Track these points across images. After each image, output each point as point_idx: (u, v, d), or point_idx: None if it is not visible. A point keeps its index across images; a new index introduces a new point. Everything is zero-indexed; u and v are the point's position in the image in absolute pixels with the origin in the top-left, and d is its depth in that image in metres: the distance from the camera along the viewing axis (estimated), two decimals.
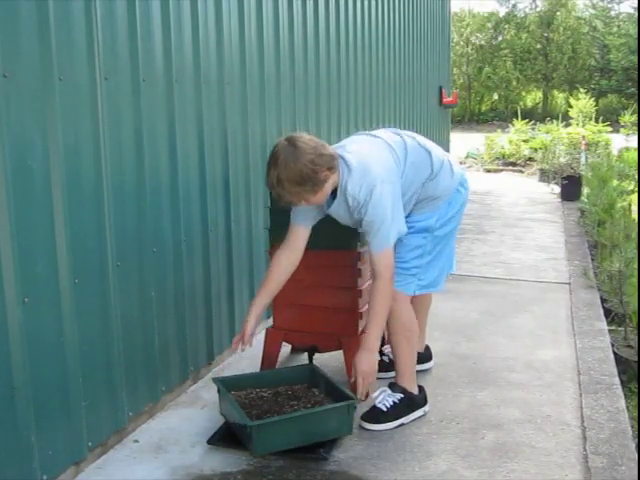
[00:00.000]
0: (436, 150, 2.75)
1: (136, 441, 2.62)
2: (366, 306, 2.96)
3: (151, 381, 2.77)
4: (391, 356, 3.12)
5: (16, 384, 2.05)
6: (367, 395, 2.62)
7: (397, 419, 2.69)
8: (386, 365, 3.09)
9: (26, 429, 2.09)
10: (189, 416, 2.82)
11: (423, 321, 3.11)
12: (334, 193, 2.54)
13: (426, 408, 2.80)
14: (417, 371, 2.87)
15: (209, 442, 2.57)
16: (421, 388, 2.82)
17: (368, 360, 2.56)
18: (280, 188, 2.40)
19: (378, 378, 3.04)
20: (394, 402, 2.70)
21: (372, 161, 2.50)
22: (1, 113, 1.95)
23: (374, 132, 2.76)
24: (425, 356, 3.18)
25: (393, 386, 2.77)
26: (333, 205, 2.57)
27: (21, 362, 2.06)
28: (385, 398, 2.72)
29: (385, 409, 2.70)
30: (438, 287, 2.82)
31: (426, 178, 2.66)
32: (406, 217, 2.67)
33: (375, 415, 2.70)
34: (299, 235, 2.67)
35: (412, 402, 2.74)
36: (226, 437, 2.58)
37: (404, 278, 2.68)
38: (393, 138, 2.66)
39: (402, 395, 2.72)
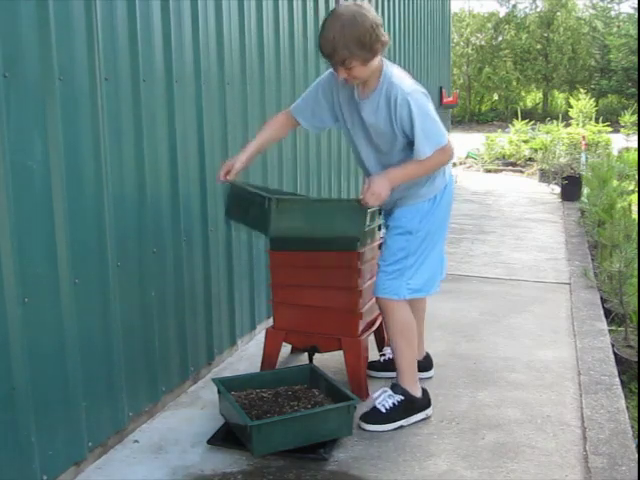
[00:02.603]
0: None
1: (136, 441, 2.62)
2: (366, 306, 2.96)
3: (151, 381, 2.77)
4: (389, 356, 3.13)
5: (16, 384, 2.05)
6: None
7: (395, 421, 2.68)
8: (384, 364, 3.09)
9: (26, 429, 2.09)
10: (189, 416, 2.82)
11: (421, 328, 3.06)
12: (366, 87, 2.52)
13: (429, 412, 2.78)
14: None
15: (209, 442, 2.57)
16: (424, 391, 2.80)
17: (383, 184, 2.49)
18: (340, 41, 2.34)
19: (378, 378, 3.04)
20: (394, 404, 2.69)
21: (409, 78, 2.56)
22: (1, 113, 1.95)
23: None
24: (424, 365, 3.12)
25: (394, 387, 2.76)
26: (370, 99, 2.52)
27: (21, 362, 2.06)
28: (385, 399, 2.71)
29: (384, 410, 2.69)
30: (430, 290, 2.78)
31: None
32: (388, 216, 2.71)
33: (374, 416, 2.69)
34: (286, 122, 2.81)
35: (412, 405, 2.73)
36: (226, 437, 2.58)
37: (392, 282, 2.66)
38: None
39: (402, 397, 2.71)
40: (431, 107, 2.51)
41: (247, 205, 2.55)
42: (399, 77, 2.51)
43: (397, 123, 2.49)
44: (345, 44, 2.35)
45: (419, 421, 2.74)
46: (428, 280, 2.74)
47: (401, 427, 2.69)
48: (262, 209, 2.40)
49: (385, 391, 2.75)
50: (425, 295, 2.81)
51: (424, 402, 2.77)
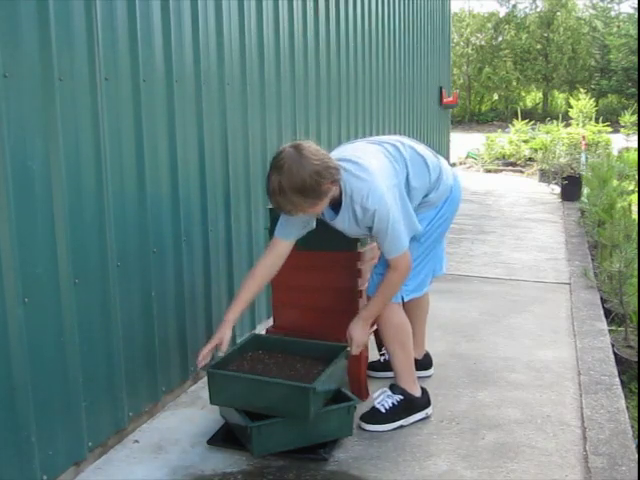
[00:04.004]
0: (432, 157, 2.69)
1: (136, 441, 2.62)
2: None
3: (151, 381, 2.77)
4: (388, 356, 3.12)
5: (16, 384, 2.05)
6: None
7: (395, 421, 2.69)
8: (384, 364, 3.09)
9: (26, 429, 2.09)
10: (189, 416, 2.82)
11: (422, 327, 3.09)
12: (333, 204, 2.48)
13: (429, 411, 2.78)
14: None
15: (209, 442, 2.57)
16: (424, 390, 2.80)
17: (360, 328, 2.62)
18: (281, 196, 2.28)
19: (378, 378, 3.05)
20: (393, 404, 2.70)
21: (374, 169, 2.44)
22: (1, 113, 1.95)
23: (371, 139, 2.73)
24: (424, 363, 3.13)
25: (393, 387, 2.76)
26: (338, 217, 2.50)
27: (21, 362, 2.06)
28: (384, 399, 2.72)
29: (384, 410, 2.69)
30: (423, 289, 2.81)
31: (427, 189, 2.64)
32: None
33: (373, 416, 2.70)
34: (281, 250, 2.59)
35: (412, 404, 2.73)
36: (226, 437, 2.58)
37: None
38: (390, 148, 2.60)
39: (402, 397, 2.71)
40: (397, 207, 2.43)
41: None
42: (360, 188, 2.39)
43: (366, 229, 2.51)
44: (288, 199, 2.28)
45: (419, 420, 2.74)
46: (423, 280, 2.77)
47: (401, 427, 2.69)
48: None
49: (384, 391, 2.75)
50: (418, 295, 2.81)
51: (424, 401, 2.77)
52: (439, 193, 2.68)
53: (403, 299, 2.70)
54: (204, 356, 2.49)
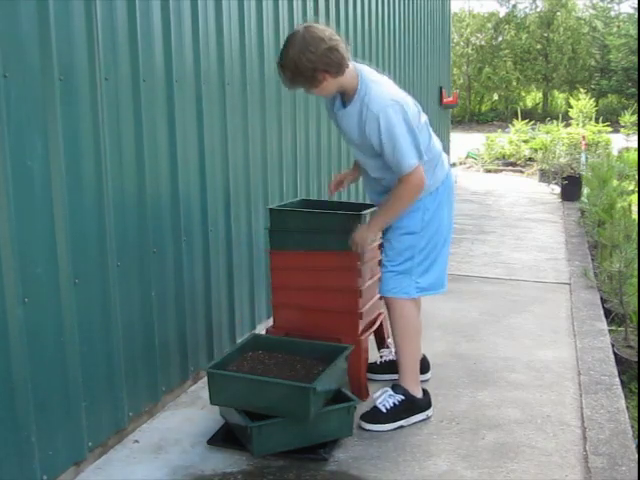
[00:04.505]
0: (437, 139, 2.78)
1: (136, 441, 2.62)
2: (366, 307, 2.96)
3: (151, 381, 2.77)
4: (387, 358, 3.13)
5: (16, 384, 2.05)
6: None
7: (396, 421, 2.69)
8: (382, 366, 3.09)
9: (26, 429, 2.09)
10: (189, 416, 2.82)
11: None
12: (346, 100, 2.57)
13: (429, 412, 2.78)
14: None
15: (209, 442, 2.57)
16: (425, 392, 2.80)
17: (362, 233, 2.68)
18: (281, 70, 2.47)
19: (377, 380, 3.05)
20: (394, 404, 2.70)
21: (392, 86, 2.57)
22: (1, 113, 1.95)
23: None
24: (421, 367, 3.05)
25: (395, 387, 2.76)
26: (345, 110, 2.58)
27: (21, 362, 2.06)
28: (386, 399, 2.72)
29: (385, 410, 2.69)
30: (440, 289, 2.79)
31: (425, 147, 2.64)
32: None
33: (374, 415, 2.70)
34: None
35: (413, 405, 2.73)
36: (226, 437, 2.58)
37: (400, 282, 2.68)
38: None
39: (403, 397, 2.72)
40: (402, 128, 2.46)
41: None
42: (375, 92, 2.48)
43: (367, 138, 2.52)
44: (284, 72, 2.47)
45: (419, 422, 2.74)
46: (437, 279, 2.75)
47: (401, 427, 2.69)
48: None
49: (386, 391, 2.75)
50: (434, 294, 2.81)
51: (424, 403, 2.77)
52: (435, 178, 2.67)
53: (413, 295, 2.70)
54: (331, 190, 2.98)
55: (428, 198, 2.66)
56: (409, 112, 2.49)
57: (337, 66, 2.43)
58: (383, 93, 2.49)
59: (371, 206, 2.93)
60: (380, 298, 2.97)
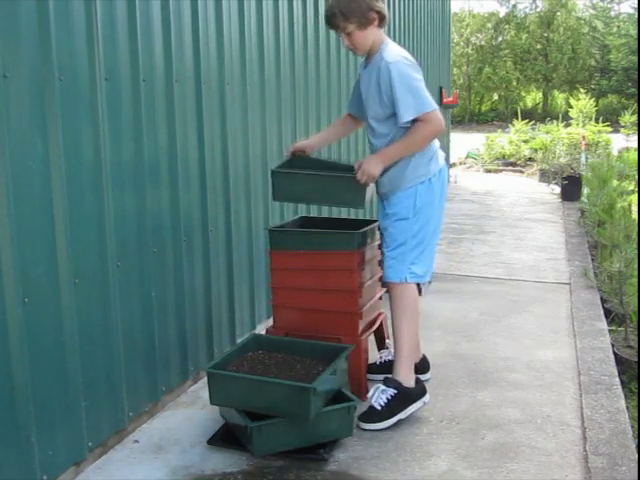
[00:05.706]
0: None
1: (136, 441, 2.62)
2: (366, 307, 2.96)
3: (151, 381, 2.77)
4: (386, 358, 3.12)
5: (16, 384, 2.05)
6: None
7: (393, 416, 2.69)
8: (381, 366, 3.09)
9: (26, 429, 2.09)
10: (189, 416, 2.82)
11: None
12: (369, 60, 2.73)
13: (425, 399, 2.79)
14: None
15: (209, 442, 2.57)
16: (417, 379, 2.81)
17: (372, 159, 2.69)
18: (336, 6, 2.61)
19: (377, 380, 3.04)
20: (387, 399, 2.70)
21: (408, 54, 2.71)
22: (1, 113, 1.95)
23: None
24: (421, 367, 3.09)
25: (387, 380, 2.77)
26: (368, 67, 2.74)
27: (21, 362, 2.06)
28: (379, 396, 2.72)
29: (379, 408, 2.70)
30: (428, 277, 2.86)
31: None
32: (386, 202, 2.79)
33: (370, 415, 2.70)
34: (345, 119, 3.11)
35: (407, 396, 2.73)
36: (226, 437, 2.58)
37: (395, 267, 2.76)
38: None
39: (396, 390, 2.72)
40: (416, 76, 2.62)
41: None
42: (391, 50, 2.67)
43: (382, 92, 2.64)
44: (340, 11, 2.61)
45: (417, 410, 2.74)
46: (429, 267, 2.84)
47: (400, 421, 2.68)
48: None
49: (377, 387, 2.75)
50: (425, 281, 2.88)
51: (418, 390, 2.78)
52: (429, 169, 2.74)
53: (407, 280, 2.75)
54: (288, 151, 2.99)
55: (420, 187, 2.73)
56: (421, 75, 2.66)
57: (383, 15, 2.66)
58: (400, 51, 2.70)
59: (373, 222, 3.04)
60: (383, 285, 3.05)
